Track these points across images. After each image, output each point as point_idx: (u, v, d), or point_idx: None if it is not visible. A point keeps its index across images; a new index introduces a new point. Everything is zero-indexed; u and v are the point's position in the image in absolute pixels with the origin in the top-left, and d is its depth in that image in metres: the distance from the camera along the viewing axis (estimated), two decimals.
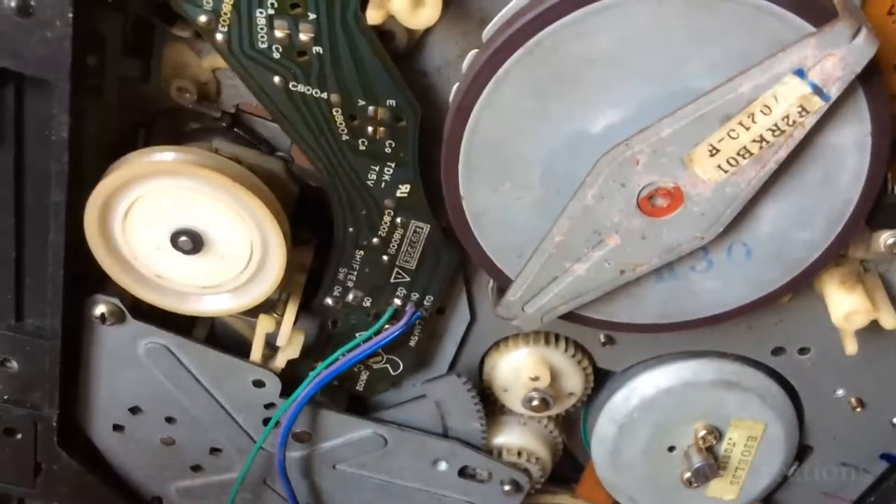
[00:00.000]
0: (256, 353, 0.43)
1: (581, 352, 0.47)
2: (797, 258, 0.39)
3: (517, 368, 0.46)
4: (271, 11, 0.34)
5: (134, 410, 0.47)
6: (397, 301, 0.43)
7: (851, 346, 0.42)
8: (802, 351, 0.46)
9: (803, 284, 0.40)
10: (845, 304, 0.40)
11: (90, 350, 0.44)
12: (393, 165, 0.38)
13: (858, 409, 0.48)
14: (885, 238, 0.39)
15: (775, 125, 0.33)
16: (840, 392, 0.48)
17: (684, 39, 0.33)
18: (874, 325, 0.42)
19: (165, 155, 0.37)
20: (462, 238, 0.39)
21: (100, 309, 0.42)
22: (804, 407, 0.48)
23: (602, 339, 0.46)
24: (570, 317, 0.41)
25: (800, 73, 0.32)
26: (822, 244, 0.38)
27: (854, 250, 0.41)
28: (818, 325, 0.44)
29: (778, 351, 0.46)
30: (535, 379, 0.46)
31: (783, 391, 0.47)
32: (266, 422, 0.46)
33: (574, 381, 0.47)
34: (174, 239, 0.38)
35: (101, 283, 0.42)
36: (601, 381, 0.49)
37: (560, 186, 0.36)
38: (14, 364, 0.43)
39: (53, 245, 0.39)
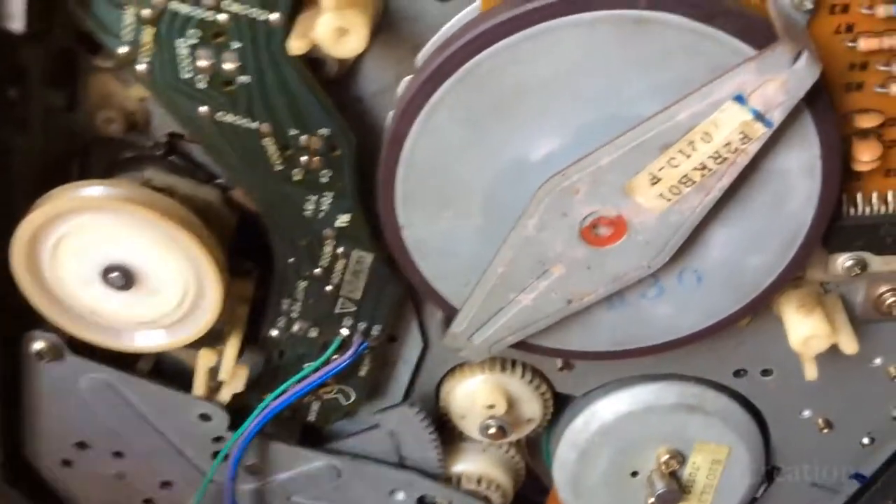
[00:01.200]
0: (199, 388, 0.42)
1: (539, 377, 0.45)
2: (751, 283, 0.37)
3: (473, 395, 0.45)
4: (194, 41, 0.33)
5: (81, 445, 0.45)
6: (344, 331, 0.42)
7: (811, 372, 0.41)
8: (765, 373, 0.45)
9: (759, 309, 0.39)
10: (803, 329, 0.39)
11: (31, 387, 0.43)
12: (331, 195, 0.37)
13: (826, 430, 0.47)
14: (842, 261, 0.38)
15: (717, 153, 0.31)
16: (806, 413, 0.46)
17: (622, 65, 0.31)
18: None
19: (91, 190, 0.36)
20: (404, 268, 0.38)
21: (37, 345, 0.40)
22: (770, 429, 0.47)
23: (559, 365, 0.45)
24: (521, 345, 0.39)
25: (740, 98, 0.30)
26: (775, 269, 0.37)
27: (812, 272, 0.40)
28: (779, 347, 0.43)
29: (740, 373, 0.45)
30: (492, 407, 0.44)
31: (747, 413, 0.46)
32: (216, 455, 0.45)
33: (532, 407, 0.46)
34: (105, 274, 0.37)
35: (38, 318, 0.40)
36: (562, 404, 0.47)
37: (502, 214, 0.35)
38: None
39: None
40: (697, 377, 0.45)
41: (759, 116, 0.30)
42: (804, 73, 0.30)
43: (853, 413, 0.46)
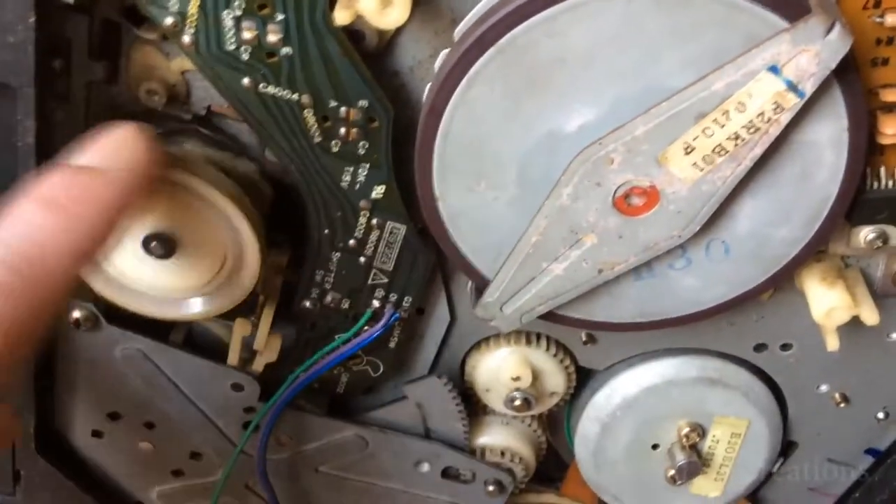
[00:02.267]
0: (233, 357, 0.43)
1: (563, 351, 0.46)
2: (776, 255, 0.38)
3: (498, 368, 0.46)
4: (238, 12, 0.34)
5: (113, 416, 0.46)
6: (376, 302, 0.43)
7: (833, 343, 0.42)
8: (785, 347, 0.46)
9: (783, 281, 0.40)
10: (826, 301, 0.40)
11: (66, 356, 0.43)
12: (367, 167, 0.38)
13: (843, 405, 0.48)
14: (864, 234, 0.39)
15: (750, 122, 0.32)
16: (824, 388, 0.47)
17: (657, 37, 0.32)
18: (856, 320, 0.41)
19: None
20: (438, 239, 0.38)
21: (74, 314, 0.41)
22: (788, 403, 0.48)
23: (584, 338, 0.46)
24: (549, 316, 0.40)
25: (774, 69, 0.31)
26: (801, 241, 0.38)
27: (834, 246, 0.41)
28: (800, 321, 0.44)
29: (760, 347, 0.46)
30: (517, 379, 0.45)
31: (766, 387, 0.47)
32: (246, 425, 0.46)
33: (556, 381, 0.47)
34: (146, 243, 0.38)
35: (75, 288, 0.41)
36: (584, 379, 0.48)
37: (536, 186, 0.36)
38: None
39: None
40: (718, 351, 0.46)
41: (792, 87, 0.31)
42: (837, 44, 0.31)
43: (869, 388, 0.47)
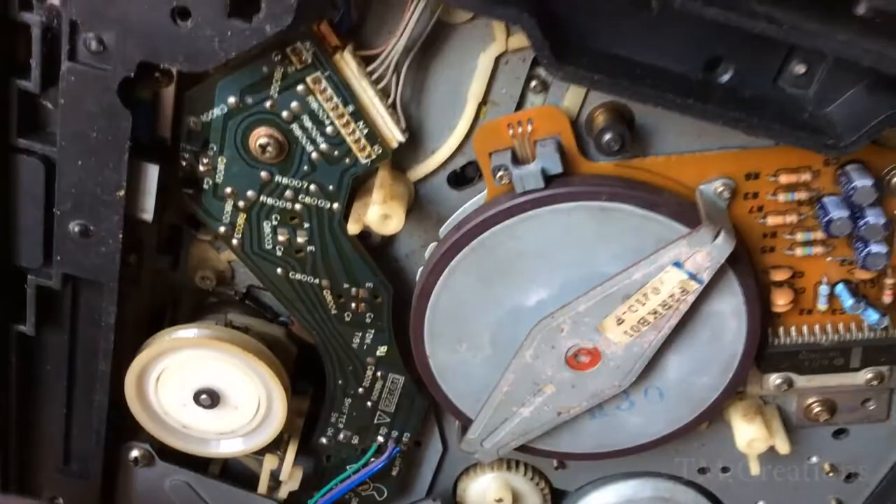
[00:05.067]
0: (263, 486, 0.52)
1: (538, 475, 0.55)
2: (701, 398, 0.47)
3: (484, 491, 0.55)
4: (275, 223, 0.44)
5: None
6: (380, 438, 0.52)
7: (755, 469, 0.51)
8: (724, 469, 0.54)
9: (711, 418, 0.49)
10: (746, 434, 0.49)
11: (125, 487, 0.52)
12: (373, 332, 0.48)
13: None
14: (773, 379, 0.48)
15: (664, 302, 0.42)
16: (761, 503, 0.56)
17: (591, 238, 0.42)
18: None
19: (187, 332, 0.46)
20: (430, 388, 0.48)
21: (133, 454, 0.51)
22: None
23: (555, 464, 0.55)
24: (523, 448, 0.50)
25: (678, 264, 0.41)
26: (719, 387, 0.47)
27: (751, 388, 0.50)
28: (734, 449, 0.52)
29: (703, 470, 0.54)
30: (500, 501, 0.54)
31: None
32: None
33: (534, 501, 0.55)
34: (196, 397, 0.47)
35: (134, 431, 0.50)
36: (558, 499, 0.57)
37: (505, 347, 0.46)
38: (61, 501, 0.52)
39: (98, 405, 0.48)
40: (669, 474, 0.55)
41: (693, 276, 0.41)
42: (723, 246, 0.41)
43: (799, 502, 0.56)
